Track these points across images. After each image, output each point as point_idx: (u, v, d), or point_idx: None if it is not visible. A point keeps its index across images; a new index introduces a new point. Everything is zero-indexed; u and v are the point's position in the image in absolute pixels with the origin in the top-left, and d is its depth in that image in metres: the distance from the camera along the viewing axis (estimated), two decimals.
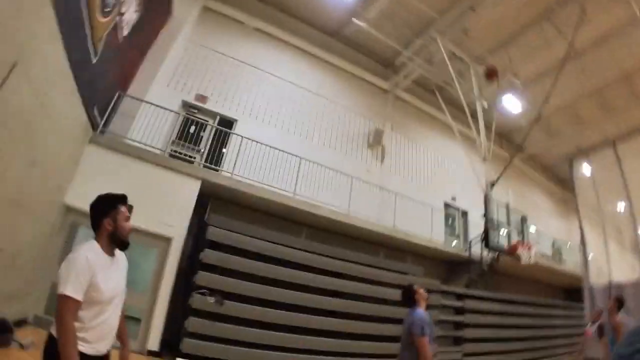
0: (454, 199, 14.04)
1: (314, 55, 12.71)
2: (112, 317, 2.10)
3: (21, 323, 5.53)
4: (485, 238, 9.94)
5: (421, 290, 4.10)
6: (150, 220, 7.21)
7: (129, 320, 5.66)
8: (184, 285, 7.49)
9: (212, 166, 9.23)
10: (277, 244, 8.55)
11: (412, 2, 11.08)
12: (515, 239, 11.51)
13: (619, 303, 5.77)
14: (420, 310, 3.94)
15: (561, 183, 19.94)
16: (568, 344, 13.30)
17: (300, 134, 11.50)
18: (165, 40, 9.62)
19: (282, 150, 9.67)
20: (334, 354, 8.06)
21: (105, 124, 7.59)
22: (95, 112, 6.97)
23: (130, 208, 2.32)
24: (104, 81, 6.93)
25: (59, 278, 1.90)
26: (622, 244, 15.30)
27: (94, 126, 7.12)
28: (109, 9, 5.95)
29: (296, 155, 9.79)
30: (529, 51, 12.36)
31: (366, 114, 13.11)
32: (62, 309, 1.83)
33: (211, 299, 7.15)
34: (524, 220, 12.99)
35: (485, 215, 10.07)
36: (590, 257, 15.98)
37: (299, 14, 12.42)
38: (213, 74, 10.80)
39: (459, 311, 10.72)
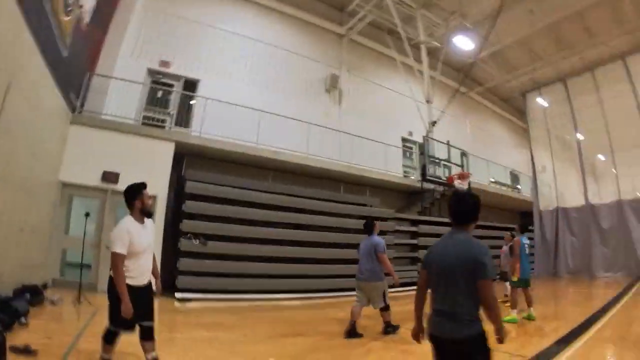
0: (410, 134, 15.64)
1: (270, 8, 13.51)
2: (147, 262, 3.35)
3: (45, 286, 7.22)
4: (423, 172, 11.71)
5: (376, 222, 6.04)
6: (135, 181, 8.76)
7: None
8: (172, 232, 9.26)
9: (182, 128, 10.60)
10: (247, 189, 10.24)
11: None
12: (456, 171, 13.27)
13: (522, 228, 8.15)
14: (376, 236, 5.98)
15: (521, 115, 21.45)
16: None
17: (262, 86, 12.72)
18: (124, 13, 10.49)
19: (242, 106, 10.91)
20: (303, 276, 10.08)
21: (83, 105, 8.85)
22: (72, 96, 8.22)
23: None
24: (75, 68, 8.10)
25: (109, 242, 3.31)
26: (569, 173, 17.45)
27: (73, 109, 8.40)
28: (70, 8, 7.01)
29: (255, 109, 11.06)
30: None
31: (322, 60, 14.23)
32: (114, 260, 3.10)
33: (196, 241, 8.97)
34: (464, 154, 14.63)
35: (423, 152, 11.76)
36: (540, 185, 18.23)
37: None
38: (175, 38, 11.72)
39: (414, 235, 12.68)
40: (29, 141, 6.19)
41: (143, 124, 10.15)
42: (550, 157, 18.39)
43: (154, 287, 3.56)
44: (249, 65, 12.68)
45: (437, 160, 13.00)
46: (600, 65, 16.55)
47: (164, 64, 11.32)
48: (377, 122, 14.61)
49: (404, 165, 15.05)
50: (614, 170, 16.04)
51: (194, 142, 10.13)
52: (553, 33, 15.23)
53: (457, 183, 12.29)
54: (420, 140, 15.58)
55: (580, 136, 17.37)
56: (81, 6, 7.59)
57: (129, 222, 3.28)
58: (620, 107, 15.72)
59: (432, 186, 13.30)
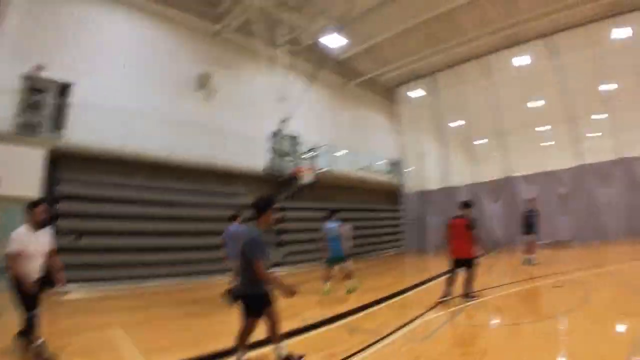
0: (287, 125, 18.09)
1: (144, 7, 14.70)
2: (35, 264, 4.66)
3: None
4: (272, 166, 14.42)
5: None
6: (11, 187, 10.45)
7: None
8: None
9: (56, 132, 12.10)
10: (120, 185, 12.24)
11: None
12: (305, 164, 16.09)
13: (330, 214, 9.63)
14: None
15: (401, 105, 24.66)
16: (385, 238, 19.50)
17: (134, 86, 14.13)
18: None
19: (111, 109, 12.51)
20: (172, 264, 12.45)
21: None
22: None
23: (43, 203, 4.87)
24: None
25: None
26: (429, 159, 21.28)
27: None
28: None
29: (124, 111, 12.73)
30: None
31: (194, 57, 15.85)
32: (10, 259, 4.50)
33: (71, 237, 10.98)
34: (312, 149, 17.42)
35: (273, 147, 14.36)
36: (408, 170, 21.94)
37: None
38: (49, 40, 12.73)
39: (280, 220, 15.33)
40: None
41: (19, 133, 11.45)
42: (420, 143, 21.98)
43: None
44: (122, 66, 14.01)
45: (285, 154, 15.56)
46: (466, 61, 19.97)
47: (37, 68, 12.41)
48: (250, 117, 16.71)
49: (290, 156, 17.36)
50: None
51: (66, 146, 11.77)
52: (423, 31, 18.11)
53: (302, 175, 15.02)
54: (294, 132, 18.27)
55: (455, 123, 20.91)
56: None
57: (21, 229, 4.69)
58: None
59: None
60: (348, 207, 18.30)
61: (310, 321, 6.16)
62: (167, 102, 14.65)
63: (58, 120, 12.29)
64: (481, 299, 7.33)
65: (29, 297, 4.52)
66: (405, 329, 5.76)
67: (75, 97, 12.61)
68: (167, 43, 15.27)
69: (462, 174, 20.43)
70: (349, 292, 8.79)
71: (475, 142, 20.79)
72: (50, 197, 11.31)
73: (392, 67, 21.05)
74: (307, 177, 15.06)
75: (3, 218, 10.12)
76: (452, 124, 21.24)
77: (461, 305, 7.01)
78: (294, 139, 17.71)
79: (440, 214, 20.03)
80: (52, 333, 5.46)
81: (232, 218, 8.66)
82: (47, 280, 4.86)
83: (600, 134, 16.96)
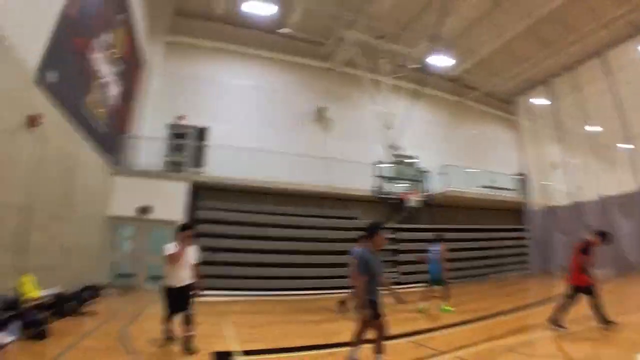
0: (398, 148, 18.32)
1: (263, 57, 17.00)
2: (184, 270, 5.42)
3: (100, 286, 10.80)
4: (377, 191, 14.49)
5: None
6: (162, 212, 12.39)
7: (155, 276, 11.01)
8: None
9: (196, 168, 14.13)
10: (249, 212, 13.58)
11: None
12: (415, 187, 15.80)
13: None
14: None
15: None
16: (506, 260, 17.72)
17: (258, 125, 16.17)
18: (145, 82, 14.33)
19: (240, 147, 14.32)
20: (297, 277, 13.08)
21: (120, 161, 12.63)
22: (112, 156, 11.99)
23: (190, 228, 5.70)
24: (112, 136, 11.88)
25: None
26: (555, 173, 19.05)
27: (115, 164, 12.18)
28: (101, 101, 10.73)
29: (250, 148, 14.43)
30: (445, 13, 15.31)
31: (310, 93, 17.46)
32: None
33: (207, 253, 12.32)
34: (422, 172, 16.92)
35: (378, 176, 14.49)
36: (531, 185, 19.73)
37: (240, 22, 16.45)
38: (188, 95, 15.48)
39: (394, 241, 15.13)
40: (89, 192, 9.91)
41: (166, 169, 13.73)
42: (542, 158, 19.97)
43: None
44: (247, 109, 16.19)
45: (391, 179, 15.47)
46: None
47: (180, 118, 14.98)
48: (362, 143, 17.36)
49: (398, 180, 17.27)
50: None
51: (204, 179, 13.67)
52: (533, 34, 16.86)
53: (409, 198, 14.73)
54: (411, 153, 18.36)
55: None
56: (109, 96, 11.32)
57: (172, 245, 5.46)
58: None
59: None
60: (465, 227, 17.28)
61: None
62: (287, 137, 16.29)
63: (197, 158, 14.37)
64: (569, 331, 6.16)
65: (171, 299, 5.43)
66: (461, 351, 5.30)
67: (210, 139, 14.67)
68: (284, 84, 17.23)
69: (590, 187, 17.58)
70: (444, 311, 8.63)
71: (602, 151, 18.01)
72: (192, 220, 12.98)
73: (506, 77, 19.79)
74: (413, 201, 14.73)
75: (155, 236, 11.94)
76: (577, 131, 18.67)
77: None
78: (409, 160, 17.72)
79: (567, 232, 17.51)
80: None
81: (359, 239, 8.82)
82: (192, 287, 5.61)
83: None
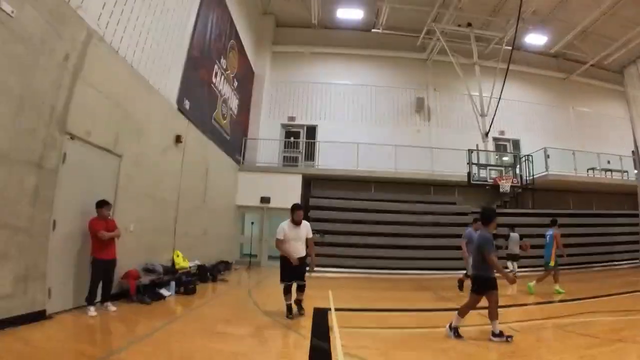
0: (501, 132, 18.27)
1: (359, 55, 18.43)
2: (296, 246, 6.04)
3: (232, 263, 13.60)
4: (468, 177, 14.74)
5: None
6: (279, 200, 14.81)
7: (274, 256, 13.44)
8: None
9: (309, 162, 16.30)
10: (354, 199, 15.32)
11: None
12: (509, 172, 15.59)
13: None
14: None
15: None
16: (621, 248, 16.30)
17: (362, 120, 17.72)
18: (258, 91, 16.91)
19: (346, 142, 16.02)
20: (398, 259, 14.42)
21: (243, 159, 15.37)
22: (236, 156, 14.73)
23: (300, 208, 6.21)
24: (235, 140, 14.60)
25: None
26: None
27: (238, 162, 14.94)
28: (225, 113, 13.38)
29: (353, 142, 16.05)
30: None
31: (410, 85, 18.35)
32: (277, 242, 6.17)
33: (317, 235, 14.42)
34: (516, 157, 16.70)
35: (469, 163, 14.72)
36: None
37: (335, 25, 18.12)
38: (296, 97, 17.74)
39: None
40: (219, 187, 12.67)
41: (283, 164, 16.17)
42: None
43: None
44: (350, 106, 17.81)
45: (485, 165, 15.49)
46: None
47: (290, 118, 17.33)
48: (464, 129, 17.76)
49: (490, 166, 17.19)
50: None
51: (315, 172, 15.84)
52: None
53: (502, 184, 14.69)
54: (515, 136, 18.26)
55: None
56: (230, 108, 13.96)
57: (285, 223, 6.11)
58: None
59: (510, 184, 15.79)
60: (572, 212, 16.52)
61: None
62: (389, 129, 17.64)
63: (308, 154, 16.51)
64: None
65: (286, 270, 6.07)
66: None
67: (319, 136, 16.69)
68: (383, 79, 18.52)
69: None
70: (558, 293, 9.01)
71: None
72: (305, 207, 15.18)
73: (615, 47, 17.69)
74: (505, 186, 14.69)
75: (275, 222, 14.34)
76: None
77: None
78: (515, 144, 17.63)
79: None
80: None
81: (474, 222, 9.49)
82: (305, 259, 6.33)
83: None
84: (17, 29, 4.52)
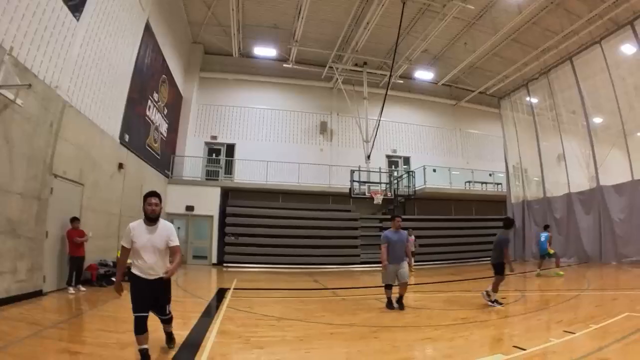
0: (394, 151, 22.89)
1: (275, 83, 22.14)
2: (149, 258, 4.14)
3: None
4: (350, 192, 19.05)
5: (396, 219, 7.95)
6: (202, 209, 18.08)
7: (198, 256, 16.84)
8: (221, 234, 18.33)
9: (228, 175, 19.72)
10: (264, 207, 18.95)
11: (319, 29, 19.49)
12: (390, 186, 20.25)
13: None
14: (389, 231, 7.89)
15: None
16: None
17: (274, 139, 21.37)
18: (185, 113, 20.01)
19: (259, 160, 19.61)
20: (301, 262, 18.24)
21: (172, 173, 18.45)
22: (166, 171, 17.80)
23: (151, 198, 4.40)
24: (164, 157, 17.65)
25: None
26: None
27: (167, 176, 18.01)
28: (156, 138, 16.44)
29: (265, 160, 19.68)
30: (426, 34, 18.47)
31: (316, 110, 22.39)
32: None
33: (231, 238, 17.90)
34: (391, 175, 21.61)
35: (351, 180, 18.99)
36: (511, 181, 22.31)
37: (255, 56, 21.60)
38: (218, 119, 21.04)
39: (381, 229, 19.79)
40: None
41: (206, 178, 19.43)
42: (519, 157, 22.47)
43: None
44: (265, 127, 21.45)
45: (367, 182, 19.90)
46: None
47: (213, 137, 20.61)
48: (360, 148, 21.93)
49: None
50: None
51: (232, 184, 19.27)
52: (516, 42, 19.57)
53: (376, 197, 19.12)
54: (406, 154, 22.93)
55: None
56: (161, 133, 17.03)
57: (136, 223, 4.26)
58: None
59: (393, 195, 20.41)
60: (443, 217, 21.51)
61: None
62: (297, 147, 21.51)
63: (227, 169, 19.91)
64: None
65: (138, 294, 4.10)
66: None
67: (237, 153, 20.17)
68: (294, 104, 22.30)
69: (556, 184, 19.96)
70: (557, 275, 12.59)
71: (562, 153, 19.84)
72: (223, 214, 18.59)
73: (497, 80, 22.77)
74: (378, 199, 19.05)
75: (198, 226, 17.64)
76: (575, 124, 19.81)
77: None
78: (405, 160, 22.32)
79: (540, 223, 19.27)
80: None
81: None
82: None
83: None
84: (24, 113, 7.59)
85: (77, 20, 9.20)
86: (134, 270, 4.17)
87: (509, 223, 8.32)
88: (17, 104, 7.15)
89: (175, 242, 4.35)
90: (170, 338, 4.66)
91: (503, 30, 17.64)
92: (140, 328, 3.97)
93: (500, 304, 7.44)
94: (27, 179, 7.67)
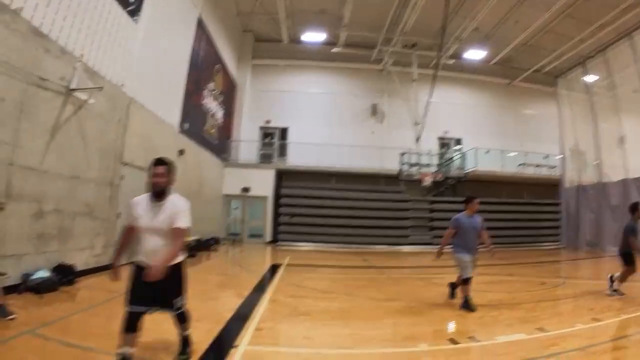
0: (446, 132, 22.76)
1: (325, 67, 22.61)
2: (151, 242, 3.42)
3: (219, 239, 18.07)
4: (398, 174, 19.26)
5: (474, 201, 6.56)
6: (257, 191, 19.24)
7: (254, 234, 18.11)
8: (275, 214, 19.41)
9: (281, 158, 20.71)
10: (316, 189, 19.77)
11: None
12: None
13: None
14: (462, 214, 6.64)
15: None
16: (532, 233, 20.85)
17: (326, 123, 21.96)
18: (239, 99, 21.12)
19: (312, 142, 20.36)
20: (352, 242, 18.92)
21: (229, 157, 19.70)
22: (223, 155, 19.06)
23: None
24: (221, 143, 18.88)
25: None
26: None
27: (225, 160, 19.28)
28: (213, 124, 17.63)
29: (318, 144, 20.37)
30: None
31: (367, 93, 22.65)
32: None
33: (286, 218, 18.93)
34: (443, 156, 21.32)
35: (400, 163, 19.10)
36: (566, 164, 21.32)
37: (304, 41, 22.10)
38: (271, 103, 21.97)
39: (430, 211, 20.12)
40: (210, 181, 17.03)
41: (260, 161, 20.57)
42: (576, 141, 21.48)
43: None
44: (317, 111, 22.05)
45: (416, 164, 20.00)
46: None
47: (267, 122, 21.60)
48: (412, 129, 22.05)
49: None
50: None
51: (286, 167, 20.26)
52: (572, 14, 17.91)
53: (425, 179, 19.10)
54: (458, 135, 22.77)
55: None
56: (217, 119, 18.21)
57: (140, 197, 3.57)
58: None
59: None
60: (502, 201, 20.98)
61: None
62: (350, 130, 21.97)
63: (281, 152, 20.90)
64: None
65: (137, 285, 3.38)
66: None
67: (290, 137, 21.07)
68: (344, 87, 22.74)
69: (614, 168, 18.82)
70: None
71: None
72: (277, 195, 19.61)
73: (552, 57, 21.63)
74: (427, 182, 19.12)
75: (253, 207, 18.83)
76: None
77: None
78: (457, 142, 22.21)
79: (596, 208, 19.31)
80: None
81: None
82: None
83: None
84: (96, 111, 8.75)
85: (136, 22, 10.24)
86: (137, 255, 3.46)
87: (634, 208, 7.49)
88: (90, 103, 8.28)
89: (181, 223, 3.44)
90: (185, 344, 3.70)
91: (556, 6, 16.78)
92: (130, 325, 3.24)
93: (622, 294, 7.14)
94: (100, 168, 8.89)
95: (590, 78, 21.26)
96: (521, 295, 7.37)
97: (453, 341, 4.52)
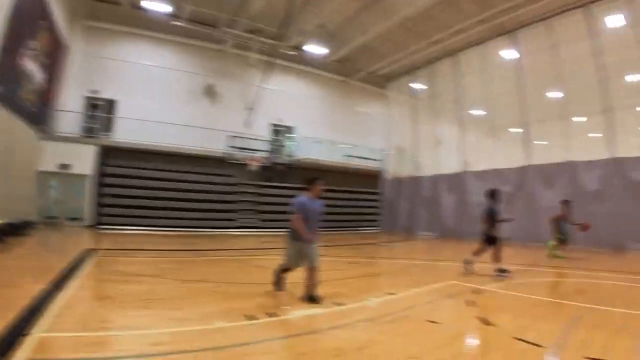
0: (280, 120, 24.24)
1: (165, 39, 21.77)
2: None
3: (29, 222, 16.13)
4: (226, 157, 20.72)
5: (318, 183, 6.20)
6: (79, 168, 17.59)
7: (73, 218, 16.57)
8: (98, 193, 18.12)
9: (107, 133, 19.25)
10: (144, 169, 19.12)
11: None
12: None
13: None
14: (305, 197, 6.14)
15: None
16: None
17: (161, 99, 21.24)
18: (66, 63, 18.81)
19: (140, 119, 19.47)
20: (180, 225, 18.93)
21: (48, 128, 17.51)
22: (40, 126, 16.85)
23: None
24: (40, 112, 16.67)
25: None
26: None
27: (43, 131, 17.08)
28: (31, 89, 15.44)
29: (148, 120, 19.65)
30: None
31: (203, 71, 22.85)
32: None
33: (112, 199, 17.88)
34: (273, 141, 23.61)
35: (228, 146, 20.34)
36: (390, 159, 25.60)
37: (146, 8, 20.37)
38: (103, 72, 20.13)
39: (259, 195, 21.53)
40: (21, 154, 14.97)
41: (83, 135, 18.76)
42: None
43: None
44: (150, 85, 21.15)
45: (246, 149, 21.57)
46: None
47: (94, 92, 19.77)
48: (241, 116, 22.82)
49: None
50: None
51: (112, 143, 18.99)
52: (408, 28, 20.43)
53: (250, 164, 20.75)
54: (290, 124, 24.47)
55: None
56: (37, 83, 16.03)
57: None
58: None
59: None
60: (327, 188, 23.46)
61: None
62: (182, 108, 21.79)
63: (107, 126, 19.46)
64: None
65: None
66: None
67: (118, 111, 19.71)
68: (182, 63, 22.41)
69: (428, 166, 23.46)
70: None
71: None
72: (100, 174, 18.28)
73: (388, 62, 24.31)
74: (253, 166, 20.90)
75: (74, 186, 17.25)
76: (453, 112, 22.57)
77: None
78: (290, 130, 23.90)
79: (408, 200, 24.00)
80: None
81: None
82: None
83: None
84: None
85: None
86: None
87: (492, 194, 8.64)
88: None
89: None
90: None
91: (398, 18, 19.11)
92: None
93: (509, 272, 8.11)
94: None
95: (417, 85, 25.39)
96: (331, 273, 7.87)
97: (251, 317, 4.81)
